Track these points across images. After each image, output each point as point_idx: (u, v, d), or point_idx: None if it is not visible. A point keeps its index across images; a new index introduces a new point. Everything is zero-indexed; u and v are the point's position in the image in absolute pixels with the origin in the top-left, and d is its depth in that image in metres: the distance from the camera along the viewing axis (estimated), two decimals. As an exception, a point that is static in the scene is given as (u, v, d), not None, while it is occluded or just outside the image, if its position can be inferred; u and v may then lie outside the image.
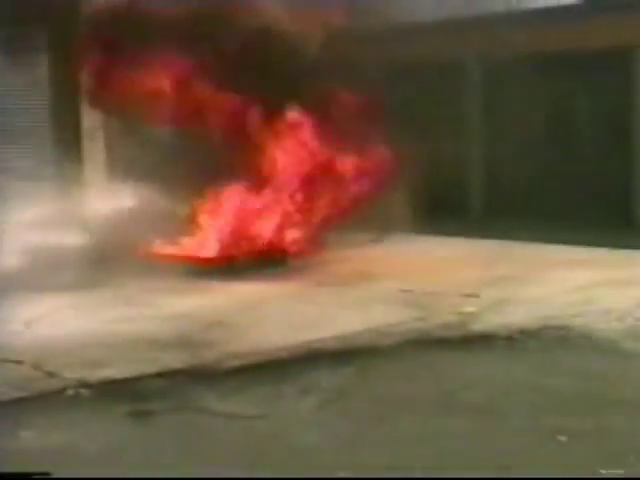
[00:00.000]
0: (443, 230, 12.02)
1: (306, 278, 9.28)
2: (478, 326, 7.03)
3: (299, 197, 10.33)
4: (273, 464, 4.40)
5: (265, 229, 10.14)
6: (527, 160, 13.72)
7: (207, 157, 10.22)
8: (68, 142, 13.10)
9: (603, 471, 4.11)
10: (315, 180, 10.45)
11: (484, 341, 6.62)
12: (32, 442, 4.69)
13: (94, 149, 13.26)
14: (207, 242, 10.04)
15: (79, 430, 4.89)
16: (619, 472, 4.11)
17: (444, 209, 14.05)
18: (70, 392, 5.45)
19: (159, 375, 5.83)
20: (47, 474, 3.76)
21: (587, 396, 5.35)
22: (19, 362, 6.05)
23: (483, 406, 5.15)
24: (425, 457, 4.42)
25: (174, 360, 6.15)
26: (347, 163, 10.51)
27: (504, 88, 14.01)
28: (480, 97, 14.36)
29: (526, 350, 6.40)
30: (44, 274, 9.16)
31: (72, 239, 9.98)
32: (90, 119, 13.18)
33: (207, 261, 9.75)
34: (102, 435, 4.80)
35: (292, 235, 10.20)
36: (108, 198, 10.66)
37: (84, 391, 5.47)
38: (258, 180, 10.21)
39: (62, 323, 7.28)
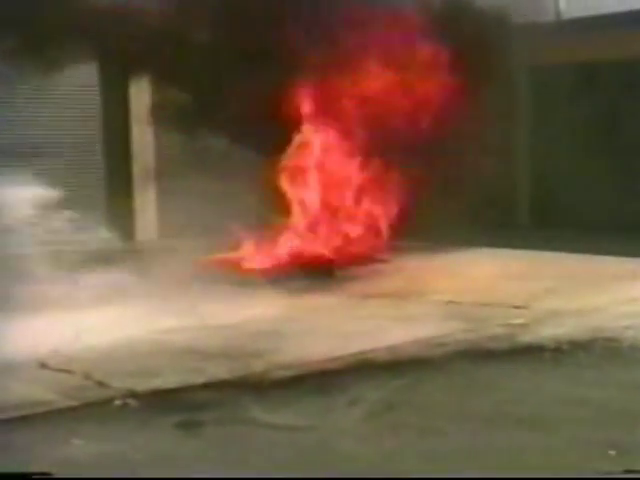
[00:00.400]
0: (491, 242, 11.95)
1: (355, 289, 9.27)
2: (527, 338, 6.97)
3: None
4: (321, 474, 4.39)
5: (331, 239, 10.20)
6: (575, 171, 13.60)
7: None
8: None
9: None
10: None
11: (533, 353, 6.56)
12: (82, 450, 4.73)
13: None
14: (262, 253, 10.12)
15: (127, 440, 4.93)
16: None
17: (492, 220, 13.99)
18: (118, 402, 5.49)
19: (207, 386, 5.85)
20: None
21: (637, 410, 5.27)
22: (70, 371, 6.12)
23: (532, 419, 5.09)
24: (470, 470, 4.38)
25: (222, 370, 6.17)
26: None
27: (553, 99, 13.90)
28: (529, 108, 14.26)
29: (575, 363, 6.32)
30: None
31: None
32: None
33: (261, 271, 9.80)
34: (150, 445, 4.83)
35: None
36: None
37: (132, 401, 5.51)
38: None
39: (112, 332, 7.33)
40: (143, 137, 13.93)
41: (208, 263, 10.10)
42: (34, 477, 3.77)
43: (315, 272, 10.01)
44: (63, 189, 13.00)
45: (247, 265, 9.95)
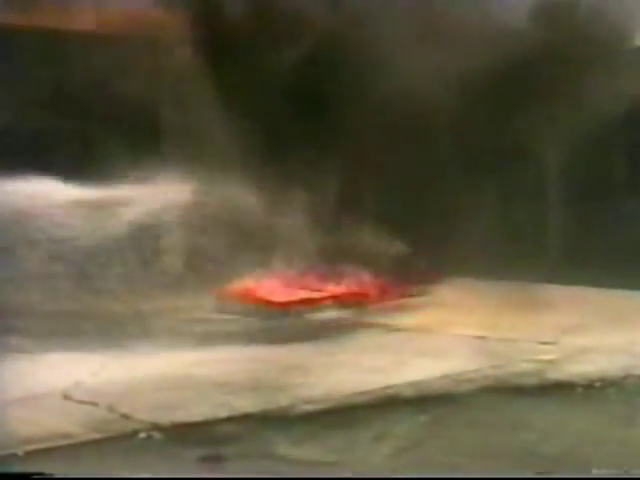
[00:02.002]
0: (519, 275, 11.87)
1: (382, 323, 9.24)
2: (555, 375, 6.90)
3: None
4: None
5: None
6: (605, 204, 13.52)
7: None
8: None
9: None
10: None
11: (562, 390, 6.50)
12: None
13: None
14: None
15: (151, 473, 4.91)
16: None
17: (520, 254, 13.91)
18: (143, 435, 5.48)
19: (231, 419, 5.83)
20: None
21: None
22: (94, 404, 6.12)
23: (561, 458, 5.03)
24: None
25: (247, 404, 6.16)
26: None
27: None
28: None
29: (606, 400, 6.25)
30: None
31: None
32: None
33: (272, 304, 9.79)
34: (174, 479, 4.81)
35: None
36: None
37: (156, 434, 5.50)
38: None
39: (135, 365, 7.34)
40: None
41: (227, 294, 10.10)
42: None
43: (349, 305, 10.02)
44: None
45: (270, 297, 9.93)
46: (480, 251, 13.59)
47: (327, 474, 4.89)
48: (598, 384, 6.57)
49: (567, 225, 14.01)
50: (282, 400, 6.26)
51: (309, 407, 6.10)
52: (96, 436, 5.49)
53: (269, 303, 9.79)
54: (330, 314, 9.75)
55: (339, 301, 10.05)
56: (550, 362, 7.27)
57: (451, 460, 5.04)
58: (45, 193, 8.89)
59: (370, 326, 9.14)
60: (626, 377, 6.72)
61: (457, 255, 12.84)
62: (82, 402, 6.18)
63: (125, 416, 5.85)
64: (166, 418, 5.80)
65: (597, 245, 13.08)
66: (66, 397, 6.30)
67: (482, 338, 8.28)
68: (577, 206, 13.79)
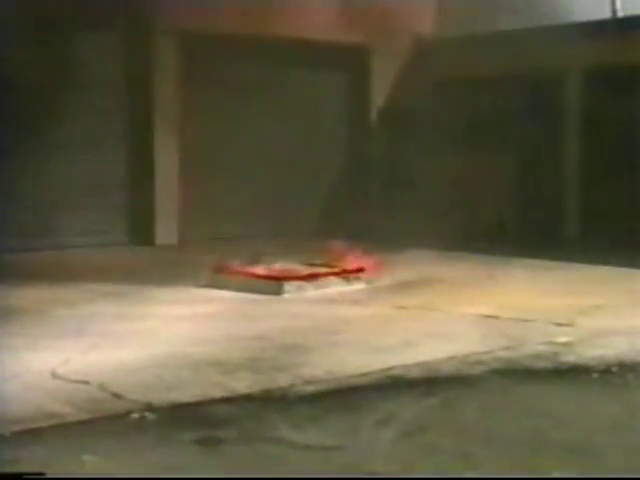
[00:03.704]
0: (535, 254, 11.90)
1: (387, 300, 9.23)
2: (571, 358, 6.88)
3: None
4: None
5: None
6: (624, 181, 13.50)
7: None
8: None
9: None
10: None
11: (578, 374, 6.47)
12: (96, 467, 4.70)
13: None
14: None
15: (144, 457, 4.90)
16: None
17: (538, 231, 13.93)
18: (135, 415, 5.47)
19: (228, 400, 5.81)
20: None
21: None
22: (85, 382, 6.10)
23: (578, 447, 5.00)
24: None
25: (244, 384, 6.14)
26: None
27: (604, 104, 13.79)
28: (578, 114, 14.16)
29: (625, 385, 6.22)
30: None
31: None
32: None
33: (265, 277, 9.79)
34: (168, 463, 4.79)
35: None
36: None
37: (149, 415, 5.48)
38: None
39: (126, 342, 7.34)
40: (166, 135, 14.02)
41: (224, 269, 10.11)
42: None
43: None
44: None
45: (268, 273, 9.93)
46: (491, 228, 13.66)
47: (329, 459, 4.88)
48: (615, 369, 6.54)
49: (584, 201, 14.00)
50: (281, 380, 6.24)
51: (310, 388, 6.08)
52: (87, 416, 5.46)
53: (268, 278, 9.78)
54: (330, 290, 9.75)
55: (340, 276, 10.05)
56: (565, 345, 7.25)
57: (460, 447, 5.01)
58: None
59: (375, 303, 9.12)
60: (646, 361, 6.70)
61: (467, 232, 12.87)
62: (72, 381, 6.17)
63: (117, 396, 5.83)
64: (160, 398, 5.78)
65: (616, 223, 13.07)
66: (55, 376, 6.29)
67: (494, 318, 8.27)
68: (594, 182, 13.77)
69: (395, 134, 15.70)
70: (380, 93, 15.94)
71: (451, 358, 6.82)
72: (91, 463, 4.73)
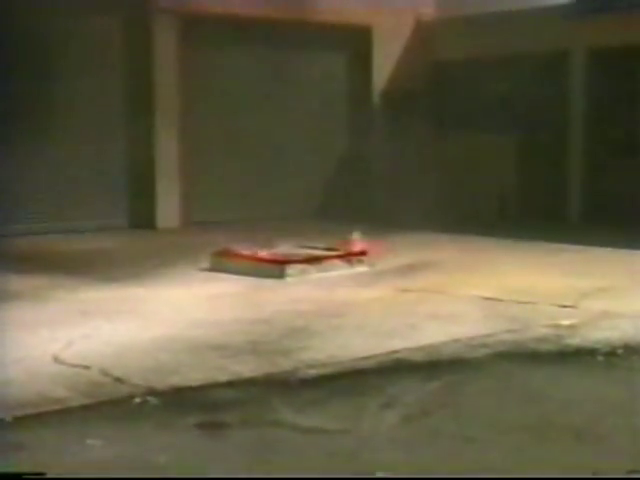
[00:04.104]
0: (539, 236, 11.88)
1: (389, 283, 9.21)
2: (576, 340, 6.87)
3: None
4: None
5: None
6: (628, 163, 13.47)
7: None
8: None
9: None
10: None
11: (582, 357, 6.45)
12: (99, 452, 4.70)
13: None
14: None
15: (147, 441, 4.90)
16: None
17: (541, 214, 13.91)
18: (138, 400, 5.47)
19: (231, 384, 5.81)
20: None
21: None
22: (87, 367, 6.10)
23: (581, 430, 4.99)
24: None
25: (248, 368, 6.13)
26: None
27: (609, 84, 13.74)
28: (583, 94, 14.12)
29: (630, 368, 6.21)
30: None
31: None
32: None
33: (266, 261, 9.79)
34: (171, 447, 4.79)
35: None
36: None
37: (152, 399, 5.48)
38: None
39: (128, 326, 7.33)
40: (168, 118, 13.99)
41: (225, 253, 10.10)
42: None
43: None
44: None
45: (271, 257, 9.92)
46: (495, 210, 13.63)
47: (332, 443, 4.87)
48: (620, 351, 6.53)
49: (587, 183, 13.96)
50: (284, 364, 6.24)
51: (313, 372, 6.07)
52: (89, 401, 5.46)
53: (270, 261, 9.77)
54: (333, 273, 9.74)
55: (343, 259, 10.04)
56: (569, 327, 7.24)
57: (463, 431, 5.00)
58: None
59: (377, 286, 9.10)
60: (651, 344, 6.69)
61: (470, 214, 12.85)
62: (73, 365, 6.16)
63: (119, 380, 5.83)
64: (162, 382, 5.77)
65: (620, 204, 13.03)
66: (57, 360, 6.29)
67: (497, 300, 8.25)
68: (598, 162, 13.73)
69: (397, 116, 15.64)
70: (381, 75, 15.89)
71: (455, 341, 6.81)
72: (95, 448, 4.73)
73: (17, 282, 9.04)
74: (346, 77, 16.02)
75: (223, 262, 9.95)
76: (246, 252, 10.09)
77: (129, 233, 13.37)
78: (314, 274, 9.65)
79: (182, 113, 14.07)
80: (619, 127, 13.62)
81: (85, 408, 5.35)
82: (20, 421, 5.09)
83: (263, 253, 10.05)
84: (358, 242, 10.31)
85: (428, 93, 15.67)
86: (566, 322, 7.36)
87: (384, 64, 15.84)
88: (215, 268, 9.90)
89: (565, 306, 7.94)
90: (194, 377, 5.91)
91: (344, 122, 16.02)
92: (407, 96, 15.63)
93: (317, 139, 15.48)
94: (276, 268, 9.61)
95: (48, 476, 3.78)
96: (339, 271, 9.86)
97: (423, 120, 15.57)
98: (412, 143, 15.45)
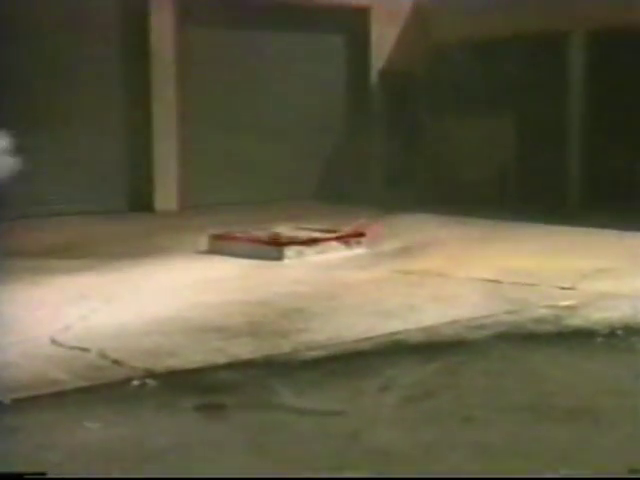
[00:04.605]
0: (538, 218, 11.86)
1: (389, 265, 9.19)
2: (575, 321, 6.86)
3: None
4: (352, 466, 4.32)
5: None
6: (628, 145, 13.44)
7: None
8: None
9: None
10: None
11: (582, 338, 6.44)
12: (98, 435, 4.69)
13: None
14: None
15: (146, 423, 4.88)
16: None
17: (540, 195, 13.88)
18: (136, 382, 5.45)
19: (230, 366, 5.79)
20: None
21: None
22: (84, 349, 6.08)
23: (583, 411, 4.98)
24: (516, 467, 4.29)
25: (246, 350, 6.12)
26: None
27: (609, 65, 13.69)
28: (582, 76, 14.06)
29: (629, 349, 6.20)
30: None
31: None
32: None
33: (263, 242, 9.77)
34: (170, 430, 4.78)
35: None
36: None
37: (150, 381, 5.46)
38: None
39: (126, 308, 7.31)
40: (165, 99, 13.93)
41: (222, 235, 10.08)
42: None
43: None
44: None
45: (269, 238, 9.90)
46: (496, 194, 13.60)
47: (331, 425, 4.86)
48: (620, 332, 6.52)
49: (587, 165, 13.93)
50: (283, 346, 6.22)
51: (312, 353, 6.06)
52: (87, 383, 5.44)
53: (268, 243, 9.74)
54: (331, 255, 9.72)
55: (341, 241, 10.02)
56: (569, 308, 7.23)
57: (463, 412, 4.99)
58: None
59: (376, 268, 9.08)
60: (650, 325, 6.68)
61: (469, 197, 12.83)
62: (71, 348, 6.14)
63: (117, 362, 5.81)
64: (160, 364, 5.76)
65: (620, 186, 13.01)
66: (55, 342, 6.27)
67: (496, 282, 8.23)
68: (598, 144, 13.70)
69: (395, 97, 15.59)
70: (380, 56, 15.82)
71: (454, 322, 6.80)
72: (93, 430, 4.71)
73: (14, 265, 9.01)
74: (344, 58, 15.96)
75: (221, 244, 9.92)
76: (244, 234, 10.06)
77: (127, 216, 13.33)
78: (312, 256, 9.62)
79: (180, 96, 14.01)
80: (619, 108, 13.57)
81: (83, 390, 5.34)
82: (18, 403, 5.08)
83: (261, 235, 10.03)
84: (366, 225, 10.31)
85: (426, 74, 15.61)
86: (565, 303, 7.35)
87: (382, 45, 15.77)
88: (213, 250, 9.88)
89: (564, 287, 7.92)
90: (192, 359, 5.90)
91: (342, 104, 15.96)
92: (405, 78, 15.58)
93: (315, 121, 15.42)
94: (274, 250, 9.59)
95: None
96: (337, 253, 9.83)
97: (421, 102, 15.52)
98: (410, 125, 15.40)
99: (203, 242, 10.05)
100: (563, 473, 3.96)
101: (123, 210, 13.64)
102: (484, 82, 14.90)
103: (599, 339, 6.39)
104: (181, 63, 14.01)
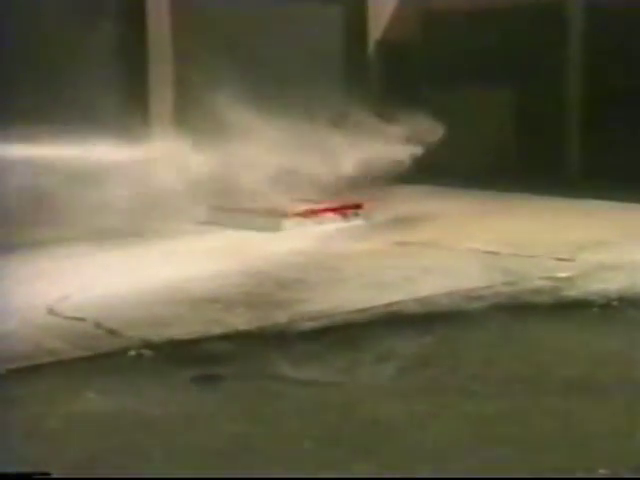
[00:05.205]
0: (536, 189, 11.83)
1: (386, 236, 9.19)
2: (572, 293, 6.86)
3: None
4: (347, 438, 4.34)
5: None
6: (627, 115, 13.37)
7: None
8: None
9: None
10: None
11: (579, 309, 6.45)
12: (96, 404, 4.71)
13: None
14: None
15: (143, 394, 4.90)
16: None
17: (538, 165, 13.85)
18: (133, 352, 5.46)
19: (226, 337, 5.80)
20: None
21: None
22: (81, 319, 6.09)
23: (580, 382, 4.99)
24: (512, 438, 4.31)
25: (242, 321, 6.13)
26: None
27: (607, 33, 13.61)
28: (580, 44, 13.98)
29: (626, 320, 6.21)
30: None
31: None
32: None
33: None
34: (167, 400, 4.79)
35: None
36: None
37: (147, 352, 5.47)
38: None
39: (123, 279, 7.30)
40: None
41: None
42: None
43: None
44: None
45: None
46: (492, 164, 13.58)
47: (328, 396, 4.88)
48: (616, 303, 6.53)
49: (586, 135, 13.89)
50: (280, 317, 6.23)
51: (309, 324, 6.07)
52: (84, 353, 5.46)
53: (266, 214, 9.74)
54: (329, 226, 9.72)
55: (338, 212, 10.02)
56: (566, 279, 7.23)
57: (460, 383, 5.01)
58: None
59: (373, 239, 9.08)
60: (647, 296, 6.69)
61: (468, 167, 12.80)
62: (69, 318, 6.15)
63: (114, 332, 5.82)
64: (157, 335, 5.77)
65: (620, 156, 12.98)
66: (52, 312, 6.27)
67: (494, 253, 8.23)
68: (598, 113, 13.65)
69: (393, 68, 15.52)
70: (377, 26, 15.72)
71: (451, 294, 6.80)
72: (90, 400, 4.73)
73: (12, 234, 8.99)
74: (341, 28, 15.85)
75: (219, 215, 9.91)
76: (242, 205, 10.04)
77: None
78: (310, 227, 9.62)
79: (175, 66, 13.93)
80: (619, 77, 13.51)
81: (80, 360, 5.35)
82: (14, 373, 5.09)
83: (259, 206, 10.01)
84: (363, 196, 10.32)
85: (424, 44, 15.52)
86: (562, 274, 7.35)
87: (380, 15, 15.66)
88: (211, 221, 9.87)
89: (562, 259, 7.92)
90: (189, 330, 5.91)
91: (339, 74, 15.88)
92: (403, 48, 15.49)
93: (312, 91, 15.34)
94: (272, 221, 9.58)
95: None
96: (335, 224, 9.83)
97: (419, 72, 15.44)
98: (409, 95, 15.31)
99: (201, 213, 10.03)
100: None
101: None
102: (483, 52, 14.82)
103: (596, 310, 6.40)
104: (177, 31, 13.91)
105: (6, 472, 3.83)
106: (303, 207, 10.05)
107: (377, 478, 3.88)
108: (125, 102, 13.41)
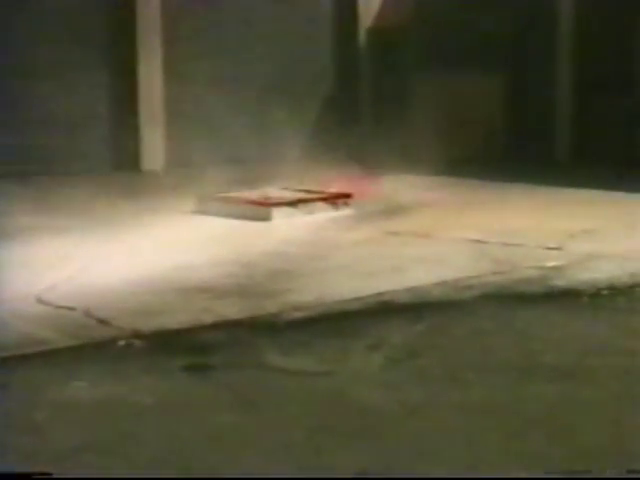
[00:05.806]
0: (526, 178, 11.86)
1: (376, 225, 9.20)
2: (562, 282, 6.89)
3: None
4: (336, 427, 4.35)
5: None
6: (618, 102, 13.40)
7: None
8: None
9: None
10: None
11: (568, 298, 6.48)
12: (85, 393, 4.71)
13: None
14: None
15: (133, 383, 4.90)
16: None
17: (528, 155, 13.87)
18: (122, 342, 5.47)
19: (216, 326, 5.81)
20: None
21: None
22: (70, 308, 6.09)
23: (570, 370, 5.02)
24: (503, 426, 4.34)
25: (233, 310, 6.14)
26: None
27: (598, 17, 13.61)
28: (571, 32, 13.99)
29: (615, 309, 6.25)
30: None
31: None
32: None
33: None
34: (157, 389, 4.80)
35: None
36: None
37: (137, 341, 5.48)
38: None
39: (113, 268, 7.31)
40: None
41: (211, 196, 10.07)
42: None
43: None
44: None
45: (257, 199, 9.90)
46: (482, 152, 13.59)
47: (318, 385, 4.90)
48: (606, 292, 6.57)
49: (576, 123, 13.91)
50: (270, 306, 6.24)
51: (299, 314, 6.08)
52: (73, 343, 5.46)
53: (255, 204, 9.74)
54: (319, 216, 9.72)
55: (328, 202, 10.02)
56: (555, 269, 7.26)
57: (450, 372, 5.03)
58: None
59: (363, 228, 9.09)
60: (636, 285, 6.71)
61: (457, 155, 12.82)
62: (58, 307, 6.15)
63: (104, 322, 5.83)
64: (147, 324, 5.77)
65: (610, 144, 13.01)
66: (41, 301, 6.27)
67: (483, 242, 8.26)
68: (588, 100, 13.66)
69: (384, 55, 15.51)
70: (368, 12, 15.70)
71: (441, 283, 6.83)
72: (80, 389, 4.74)
73: (3, 223, 8.98)
74: (332, 14, 15.83)
75: (208, 204, 9.91)
76: (232, 194, 10.05)
77: (112, 175, 13.27)
78: (300, 217, 9.63)
79: (166, 52, 13.91)
80: (610, 63, 13.53)
81: (70, 350, 5.36)
82: (4, 362, 5.09)
83: (249, 195, 10.02)
84: (354, 185, 10.33)
85: (415, 29, 15.50)
86: (552, 264, 7.38)
87: (370, 3, 15.65)
88: (200, 210, 9.87)
89: (551, 248, 7.95)
90: (179, 319, 5.91)
91: (331, 61, 15.86)
92: (394, 33, 15.48)
93: (304, 79, 15.34)
94: (262, 210, 9.59)
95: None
96: (325, 214, 9.84)
97: (410, 58, 15.43)
98: (399, 82, 15.33)
99: (191, 202, 10.03)
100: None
101: (108, 170, 13.57)
102: (472, 36, 14.81)
103: (585, 299, 6.43)
104: (167, 18, 13.89)
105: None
106: (293, 196, 10.05)
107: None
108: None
